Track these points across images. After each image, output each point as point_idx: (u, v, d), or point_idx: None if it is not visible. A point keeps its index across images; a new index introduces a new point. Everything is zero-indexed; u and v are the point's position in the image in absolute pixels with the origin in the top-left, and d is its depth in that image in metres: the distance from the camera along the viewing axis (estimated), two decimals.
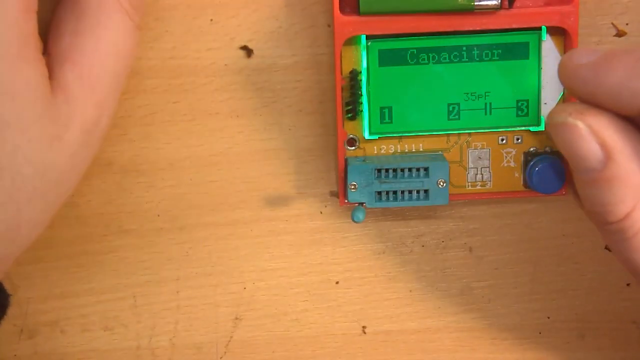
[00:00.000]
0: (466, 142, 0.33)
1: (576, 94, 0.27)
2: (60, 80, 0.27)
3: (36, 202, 0.27)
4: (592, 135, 0.26)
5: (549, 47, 0.32)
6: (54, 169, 0.27)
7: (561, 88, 0.32)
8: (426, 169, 0.31)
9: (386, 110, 0.32)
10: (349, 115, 0.32)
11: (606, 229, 0.27)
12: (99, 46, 0.27)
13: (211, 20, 0.32)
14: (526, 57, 0.32)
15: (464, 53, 0.32)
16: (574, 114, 0.26)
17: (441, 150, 0.33)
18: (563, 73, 0.27)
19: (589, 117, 0.26)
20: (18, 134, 0.25)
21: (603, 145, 0.26)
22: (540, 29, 0.32)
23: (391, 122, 0.32)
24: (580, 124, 0.26)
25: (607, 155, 0.26)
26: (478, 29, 0.31)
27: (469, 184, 0.33)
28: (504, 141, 0.33)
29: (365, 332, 0.36)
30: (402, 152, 0.33)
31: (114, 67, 0.28)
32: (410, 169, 0.31)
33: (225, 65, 0.32)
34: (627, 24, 0.33)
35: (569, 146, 0.26)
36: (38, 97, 0.26)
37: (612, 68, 0.25)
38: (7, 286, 0.32)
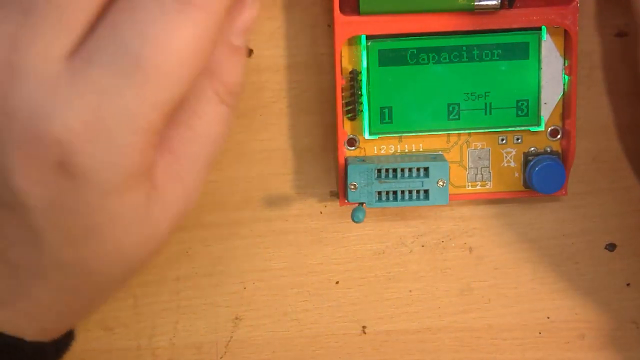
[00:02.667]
0: (466, 142, 0.33)
1: None
2: (159, 185, 0.25)
3: (118, 285, 0.27)
4: None
5: (549, 47, 0.32)
6: (139, 261, 0.26)
7: (561, 88, 0.32)
8: (426, 169, 0.31)
9: (386, 110, 0.32)
10: (349, 115, 0.32)
11: None
12: (193, 137, 0.26)
13: None
14: (526, 57, 0.32)
15: (464, 53, 0.32)
16: None
17: (441, 150, 0.33)
18: None
19: None
20: (115, 237, 0.25)
21: None
22: (540, 29, 0.32)
23: (391, 122, 0.32)
24: None
25: None
26: (478, 29, 0.31)
27: (469, 184, 0.33)
28: (504, 141, 0.33)
29: (365, 332, 0.36)
30: (402, 152, 0.33)
31: (206, 157, 0.27)
32: (410, 169, 0.31)
33: None
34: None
35: None
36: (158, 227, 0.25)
37: None
38: None
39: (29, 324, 0.26)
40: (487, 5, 0.30)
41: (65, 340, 0.29)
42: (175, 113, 0.25)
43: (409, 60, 0.32)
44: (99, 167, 0.22)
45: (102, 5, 0.22)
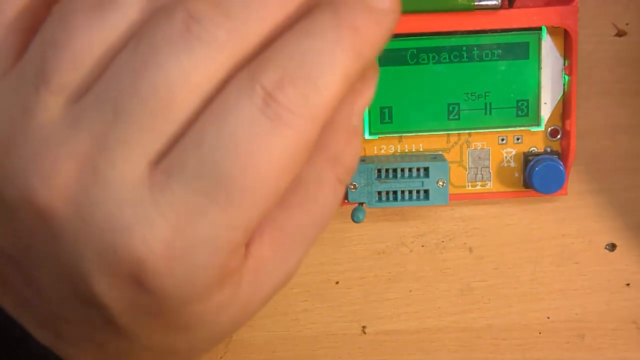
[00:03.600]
0: (466, 142, 0.33)
1: None
2: (253, 253, 0.23)
3: (204, 353, 0.26)
4: None
5: (549, 47, 0.32)
6: (230, 334, 0.25)
7: (561, 88, 0.32)
8: (426, 169, 0.31)
9: (386, 110, 0.32)
10: None
11: None
12: (306, 220, 0.24)
13: None
14: (526, 57, 0.32)
15: (464, 53, 0.32)
16: None
17: (441, 150, 0.33)
18: None
19: None
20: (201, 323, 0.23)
21: None
22: (540, 29, 0.32)
23: (391, 122, 0.32)
24: None
25: None
26: (478, 29, 0.31)
27: (469, 184, 0.33)
28: (504, 141, 0.33)
29: (365, 332, 0.36)
30: (402, 152, 0.33)
31: (315, 236, 0.25)
32: (410, 169, 0.31)
33: None
34: (627, 24, 0.33)
35: None
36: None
37: None
38: None
39: None
40: (487, 5, 0.30)
41: None
42: (291, 195, 0.24)
43: (409, 60, 0.32)
44: (176, 286, 0.21)
45: (195, 114, 0.20)
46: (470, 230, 0.35)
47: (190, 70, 0.20)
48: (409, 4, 0.30)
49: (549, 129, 0.33)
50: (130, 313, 0.22)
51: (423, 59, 0.32)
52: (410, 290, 0.35)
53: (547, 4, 0.31)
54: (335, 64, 0.20)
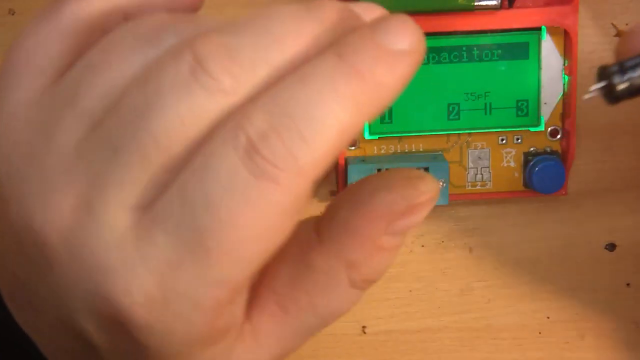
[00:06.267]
0: (466, 142, 0.33)
1: None
2: (254, 318, 0.22)
3: None
4: None
5: (549, 47, 0.32)
6: None
7: (561, 88, 0.32)
8: (426, 169, 0.31)
9: (386, 111, 0.32)
10: None
11: None
12: (310, 310, 0.23)
13: None
14: (526, 57, 0.32)
15: (464, 53, 0.32)
16: None
17: (441, 150, 0.33)
18: None
19: None
20: None
21: None
22: (540, 29, 0.32)
23: (391, 122, 0.32)
24: None
25: None
26: (478, 29, 0.31)
27: (469, 184, 0.33)
28: (504, 141, 0.33)
29: (365, 332, 0.36)
30: (402, 152, 0.33)
31: (317, 329, 0.23)
32: None
33: None
34: (627, 24, 0.33)
35: None
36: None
37: None
38: None
39: None
40: (487, 5, 0.30)
41: None
42: (299, 279, 0.22)
43: None
44: (156, 337, 0.20)
45: (186, 160, 0.19)
46: (470, 230, 0.35)
47: (189, 117, 0.19)
48: (409, 4, 0.30)
49: (549, 129, 0.33)
50: (118, 354, 0.21)
51: (423, 59, 0.32)
52: (410, 290, 0.35)
53: (547, 4, 0.31)
54: (327, 116, 0.18)
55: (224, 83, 0.19)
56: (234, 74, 0.19)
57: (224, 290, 0.20)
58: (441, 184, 0.31)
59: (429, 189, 0.22)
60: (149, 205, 0.19)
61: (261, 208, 0.19)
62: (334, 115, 0.18)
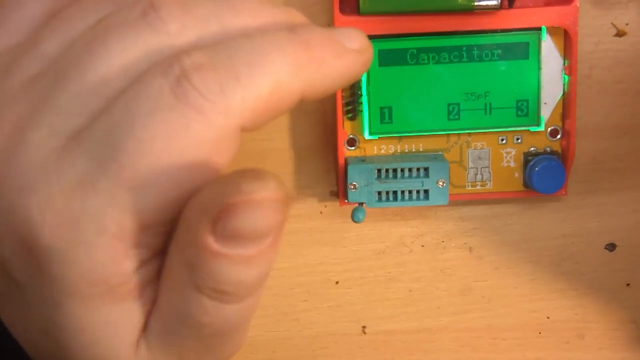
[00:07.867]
0: (466, 142, 0.33)
1: None
2: (147, 332, 0.21)
3: None
4: None
5: (548, 47, 0.32)
6: None
7: (561, 88, 0.32)
8: (426, 169, 0.31)
9: (386, 110, 0.32)
10: (349, 115, 0.32)
11: None
12: (177, 324, 0.21)
13: None
14: (526, 57, 0.32)
15: (464, 53, 0.32)
16: None
17: (441, 150, 0.33)
18: None
19: None
20: None
21: None
22: (540, 29, 0.32)
23: (391, 122, 0.32)
24: None
25: None
26: (478, 29, 0.31)
27: (469, 184, 0.33)
28: (504, 141, 0.33)
29: (365, 332, 0.36)
30: (402, 152, 0.33)
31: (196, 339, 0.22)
32: (410, 169, 0.31)
33: None
34: (627, 24, 0.33)
35: None
36: (120, 346, 0.21)
37: None
38: None
39: None
40: (487, 5, 0.30)
41: None
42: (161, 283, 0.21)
43: (409, 60, 0.32)
44: (62, 266, 0.20)
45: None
46: (470, 230, 0.35)
47: (131, 51, 0.20)
48: (409, 4, 0.30)
49: (549, 129, 0.33)
50: (34, 290, 0.21)
51: (423, 59, 0.32)
52: (410, 290, 0.35)
53: (547, 4, 0.31)
54: (266, 65, 0.19)
55: (170, 26, 0.20)
56: (183, 20, 0.20)
57: (128, 220, 0.19)
58: (441, 183, 0.31)
59: (251, 189, 0.19)
60: (80, 132, 0.20)
61: (180, 134, 0.19)
62: (273, 67, 0.19)
